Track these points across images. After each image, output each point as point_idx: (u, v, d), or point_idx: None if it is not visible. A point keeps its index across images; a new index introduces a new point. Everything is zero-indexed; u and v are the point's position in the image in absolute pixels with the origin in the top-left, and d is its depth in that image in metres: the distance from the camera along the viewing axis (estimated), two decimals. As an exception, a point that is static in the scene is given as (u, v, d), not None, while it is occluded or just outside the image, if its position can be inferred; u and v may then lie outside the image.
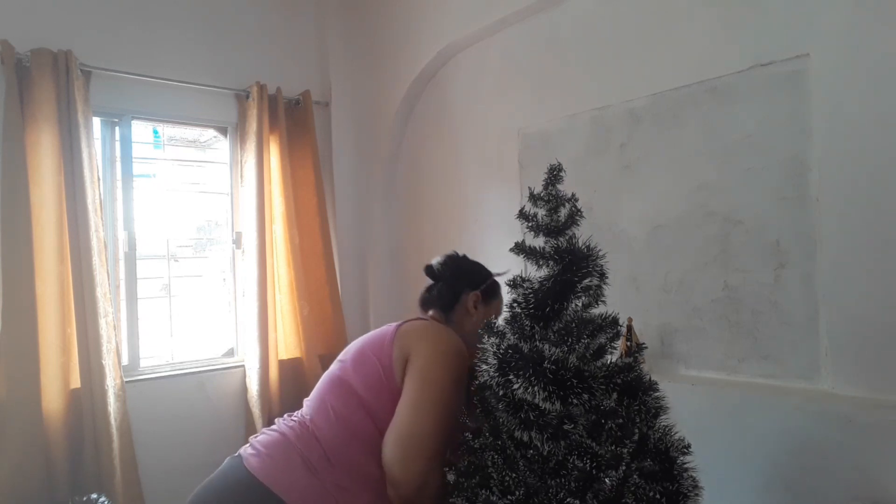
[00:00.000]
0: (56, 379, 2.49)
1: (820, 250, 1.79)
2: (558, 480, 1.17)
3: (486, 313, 1.59)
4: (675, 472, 1.21)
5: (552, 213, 1.33)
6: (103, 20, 2.78)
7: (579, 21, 2.45)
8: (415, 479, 1.26)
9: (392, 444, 1.28)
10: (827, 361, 1.78)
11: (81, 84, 2.61)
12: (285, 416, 1.46)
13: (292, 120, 3.27)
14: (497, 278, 1.69)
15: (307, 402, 1.46)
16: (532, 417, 1.18)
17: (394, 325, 1.47)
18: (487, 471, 1.24)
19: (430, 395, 1.32)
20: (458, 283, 1.64)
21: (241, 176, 3.14)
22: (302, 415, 1.42)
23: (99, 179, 2.65)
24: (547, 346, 1.21)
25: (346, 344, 2.08)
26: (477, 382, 1.30)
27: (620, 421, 1.22)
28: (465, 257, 1.72)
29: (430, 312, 1.62)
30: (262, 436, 1.40)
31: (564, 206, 1.33)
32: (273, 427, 1.42)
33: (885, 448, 1.60)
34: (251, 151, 3.07)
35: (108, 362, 2.56)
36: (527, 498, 1.17)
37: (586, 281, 1.28)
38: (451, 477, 1.32)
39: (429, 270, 1.68)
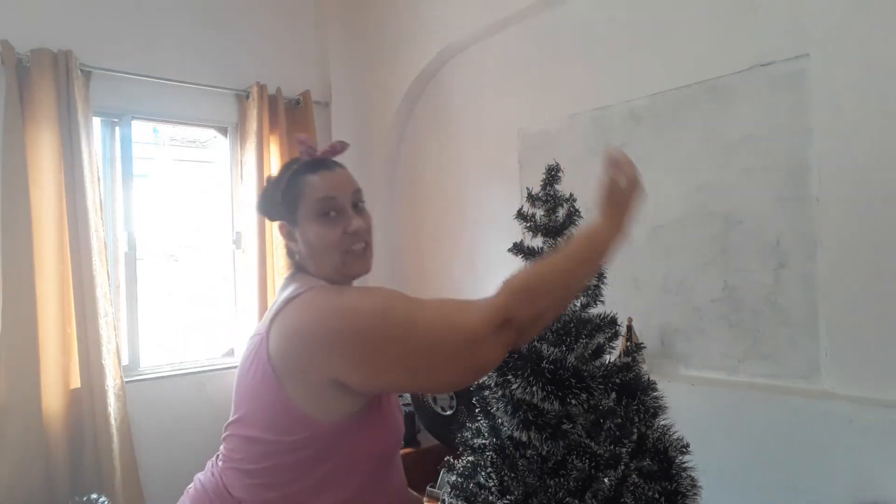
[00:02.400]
0: (56, 379, 2.49)
1: (820, 250, 1.79)
2: (557, 480, 1.17)
3: (312, 227, 1.11)
4: (674, 472, 1.21)
5: (550, 213, 1.33)
6: (103, 20, 2.78)
7: (579, 21, 2.45)
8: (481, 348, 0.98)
9: (430, 385, 1.06)
10: (827, 361, 1.77)
11: (81, 84, 2.61)
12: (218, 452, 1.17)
13: (292, 120, 3.27)
14: (294, 164, 1.19)
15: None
16: (531, 417, 1.18)
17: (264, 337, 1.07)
18: (487, 470, 1.24)
19: (381, 351, 0.98)
20: (275, 220, 1.19)
21: (241, 176, 3.14)
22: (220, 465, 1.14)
23: (99, 179, 2.65)
24: (545, 346, 1.21)
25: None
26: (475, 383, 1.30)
27: (619, 421, 1.22)
28: (266, 180, 1.23)
29: (286, 277, 1.20)
30: (194, 485, 1.18)
31: (563, 206, 1.34)
32: (200, 475, 1.19)
33: (885, 448, 1.59)
34: (251, 151, 3.07)
35: (108, 362, 2.56)
36: (526, 498, 1.17)
37: (585, 281, 1.28)
38: (451, 477, 1.32)
39: None
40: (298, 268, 1.17)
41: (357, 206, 1.15)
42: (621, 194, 1.11)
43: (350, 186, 1.15)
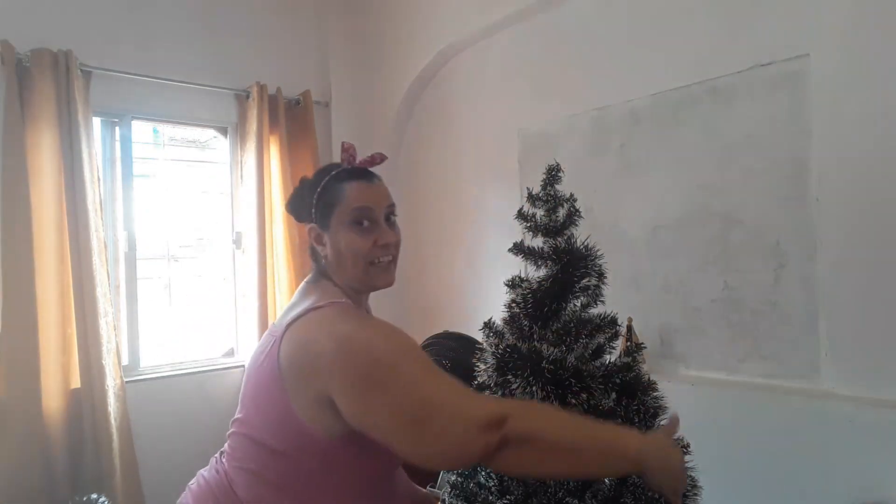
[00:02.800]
0: (56, 379, 2.49)
1: (820, 250, 1.79)
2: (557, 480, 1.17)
3: (344, 234, 1.12)
4: (674, 472, 1.20)
5: (550, 213, 1.33)
6: (103, 20, 2.78)
7: (579, 21, 2.45)
8: (456, 454, 0.96)
9: (413, 453, 0.99)
10: (827, 361, 1.77)
11: (81, 84, 2.60)
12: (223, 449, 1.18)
13: (292, 120, 3.27)
14: (329, 171, 1.19)
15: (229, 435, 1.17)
16: (531, 417, 1.18)
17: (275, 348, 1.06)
18: (487, 470, 1.24)
19: (389, 388, 0.97)
20: (304, 222, 1.19)
21: (241, 176, 3.14)
22: (224, 463, 1.14)
23: (99, 179, 2.65)
24: (545, 346, 1.21)
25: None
26: (475, 382, 1.30)
27: (619, 420, 1.22)
28: (300, 181, 1.23)
29: (307, 280, 1.21)
30: (197, 480, 1.18)
31: (563, 206, 1.33)
32: (204, 472, 1.19)
33: (885, 448, 1.59)
34: (251, 151, 3.07)
35: (108, 362, 2.56)
36: (526, 498, 1.17)
37: (585, 281, 1.28)
38: (451, 477, 1.32)
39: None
40: (321, 273, 1.18)
41: (389, 219, 1.17)
42: (672, 443, 1.02)
43: (386, 200, 1.17)
